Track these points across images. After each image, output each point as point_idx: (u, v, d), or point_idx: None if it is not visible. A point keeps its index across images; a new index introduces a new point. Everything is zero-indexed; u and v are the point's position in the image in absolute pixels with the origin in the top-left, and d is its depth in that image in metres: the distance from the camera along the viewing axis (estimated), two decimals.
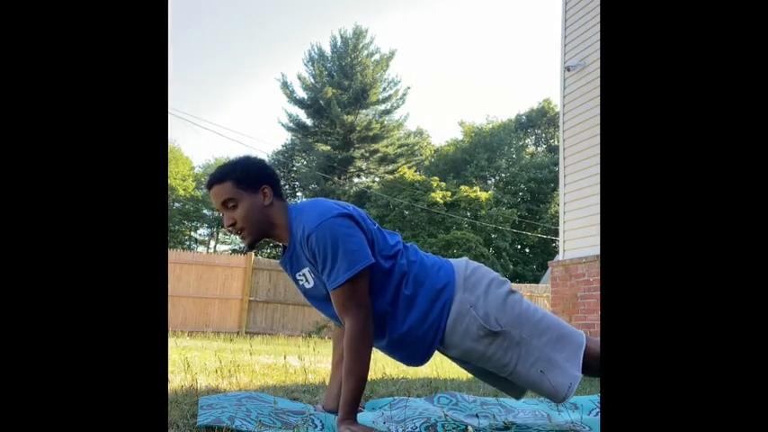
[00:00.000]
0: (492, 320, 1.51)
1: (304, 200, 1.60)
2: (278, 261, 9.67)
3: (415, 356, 1.59)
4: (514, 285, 11.99)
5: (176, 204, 26.16)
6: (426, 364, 1.66)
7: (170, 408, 1.63)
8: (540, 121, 28.07)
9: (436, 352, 1.63)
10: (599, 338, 1.65)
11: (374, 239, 1.53)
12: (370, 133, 24.67)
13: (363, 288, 1.47)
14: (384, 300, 1.52)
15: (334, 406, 1.72)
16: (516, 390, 1.67)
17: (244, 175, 1.55)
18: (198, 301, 9.55)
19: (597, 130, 5.23)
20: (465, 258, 1.68)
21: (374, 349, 1.54)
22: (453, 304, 1.54)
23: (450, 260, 1.67)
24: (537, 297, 11.58)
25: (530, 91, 54.03)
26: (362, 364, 1.44)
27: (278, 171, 1.66)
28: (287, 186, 28.23)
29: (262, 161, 1.61)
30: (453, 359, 1.65)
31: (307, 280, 1.56)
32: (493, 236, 19.68)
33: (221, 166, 1.59)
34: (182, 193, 26.22)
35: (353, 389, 1.43)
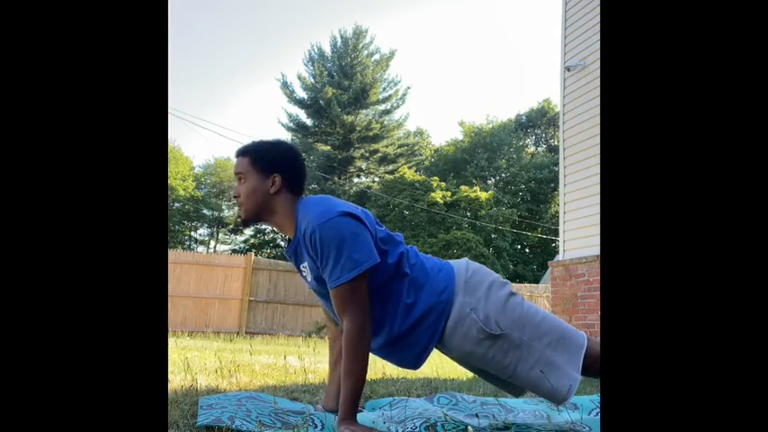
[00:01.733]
0: (492, 323, 1.51)
1: (313, 195, 1.66)
2: (278, 261, 9.59)
3: (410, 360, 1.59)
4: (514, 285, 12.02)
5: (176, 204, 26.17)
6: (426, 363, 1.66)
7: (170, 408, 1.62)
8: (540, 121, 28.07)
9: (437, 352, 1.63)
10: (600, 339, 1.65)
11: (379, 244, 1.53)
12: (370, 133, 24.66)
13: (362, 288, 1.47)
14: (384, 304, 1.52)
15: (334, 406, 1.72)
16: (516, 389, 1.67)
17: (261, 157, 1.59)
18: (198, 301, 9.55)
19: (597, 130, 5.23)
20: (465, 260, 1.67)
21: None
22: (453, 307, 1.53)
23: (451, 262, 1.66)
24: (537, 297, 11.58)
25: (530, 91, 54.05)
26: (361, 363, 1.44)
27: (303, 163, 1.68)
28: None
29: (290, 152, 1.64)
30: (453, 359, 1.65)
31: (307, 273, 1.58)
32: (493, 236, 19.68)
33: (254, 142, 1.66)
34: (182, 193, 26.22)
35: (352, 388, 1.43)
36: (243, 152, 1.61)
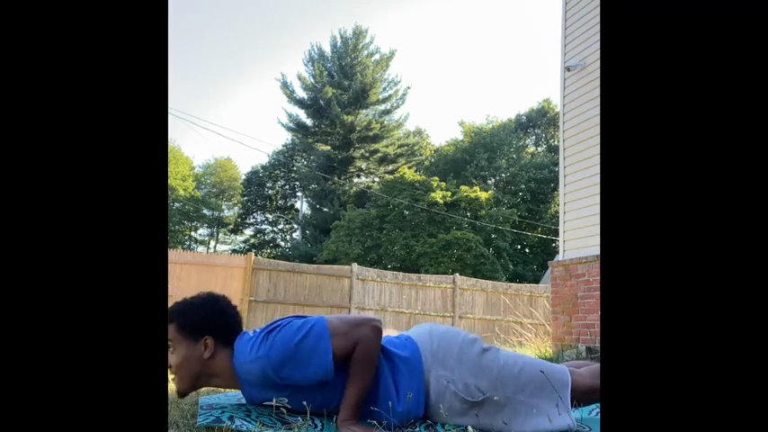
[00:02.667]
0: (473, 390, 1.48)
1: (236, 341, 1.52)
2: (278, 261, 9.54)
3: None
4: (514, 285, 12.01)
5: (176, 204, 26.17)
6: None
7: (170, 408, 1.62)
8: (540, 121, 28.07)
9: None
10: (583, 369, 1.63)
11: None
12: (370, 133, 24.67)
13: (341, 326, 1.43)
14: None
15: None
16: None
17: (186, 323, 1.50)
18: None
19: (597, 130, 5.23)
20: (428, 327, 1.61)
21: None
22: (430, 385, 1.50)
23: (411, 333, 1.61)
24: (537, 297, 11.58)
25: (530, 91, 54.03)
26: (371, 368, 1.44)
27: (233, 314, 1.57)
28: (287, 187, 28.27)
29: (217, 308, 1.54)
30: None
31: (290, 402, 1.50)
32: (493, 236, 19.66)
33: (176, 304, 1.55)
34: (182, 193, 26.22)
35: (360, 391, 1.43)
36: (168, 318, 1.50)
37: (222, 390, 2.24)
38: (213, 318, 1.52)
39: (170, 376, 1.50)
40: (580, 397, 1.54)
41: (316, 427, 1.49)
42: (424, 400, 1.51)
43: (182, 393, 1.53)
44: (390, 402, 1.47)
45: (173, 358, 1.49)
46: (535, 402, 1.48)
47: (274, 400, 1.47)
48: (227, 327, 1.52)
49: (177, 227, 26.96)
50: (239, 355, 1.46)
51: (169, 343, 1.49)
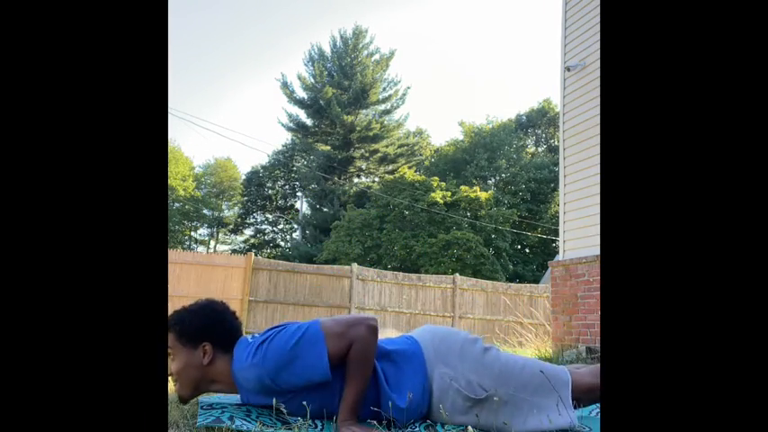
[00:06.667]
0: (476, 387, 1.49)
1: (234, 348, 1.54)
2: (278, 261, 9.48)
3: None
4: (514, 285, 12.01)
5: (176, 204, 26.17)
6: None
7: (170, 408, 1.62)
8: (540, 121, 28.07)
9: None
10: (583, 369, 1.65)
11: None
12: (370, 133, 24.67)
13: (335, 327, 1.43)
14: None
15: None
16: None
17: (184, 330, 1.52)
18: None
19: (597, 130, 5.23)
20: (429, 327, 1.64)
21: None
22: (433, 383, 1.51)
23: (413, 335, 1.63)
24: (537, 297, 11.58)
25: (530, 91, 54.03)
26: (368, 367, 1.45)
27: (232, 319, 1.60)
28: (287, 187, 28.26)
29: (214, 315, 1.56)
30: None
31: (283, 408, 1.50)
32: (493, 236, 19.66)
33: (176, 313, 1.56)
34: (182, 193, 26.22)
35: (358, 391, 1.43)
36: (167, 327, 1.51)
37: None
38: (211, 324, 1.53)
39: (171, 383, 1.52)
40: (581, 395, 1.55)
41: (316, 427, 1.49)
42: (428, 399, 1.52)
43: (183, 399, 1.55)
44: (391, 402, 1.48)
45: (173, 365, 1.50)
46: (536, 401, 1.50)
47: (274, 401, 1.48)
48: (225, 333, 1.54)
49: (177, 227, 26.96)
50: (237, 362, 1.48)
51: (169, 351, 1.50)
